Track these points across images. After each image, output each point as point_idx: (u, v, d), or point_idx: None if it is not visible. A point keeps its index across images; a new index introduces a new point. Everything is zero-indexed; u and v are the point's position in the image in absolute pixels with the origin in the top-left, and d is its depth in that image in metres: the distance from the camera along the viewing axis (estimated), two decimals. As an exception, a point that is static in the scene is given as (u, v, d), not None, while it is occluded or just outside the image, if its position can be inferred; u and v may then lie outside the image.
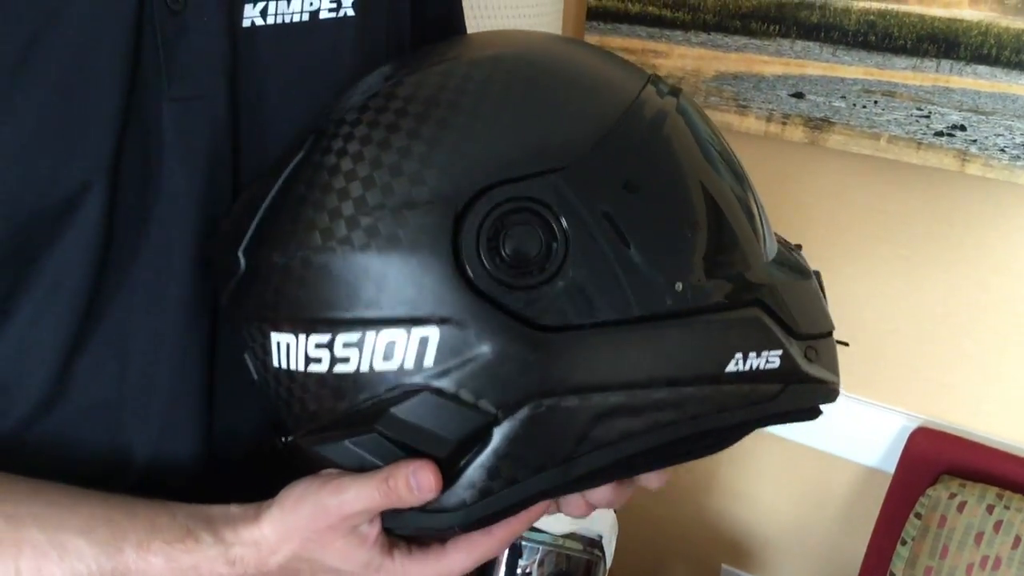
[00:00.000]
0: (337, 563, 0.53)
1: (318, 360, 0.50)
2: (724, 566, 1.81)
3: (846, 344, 0.59)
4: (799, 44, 1.41)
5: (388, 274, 0.48)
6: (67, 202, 0.52)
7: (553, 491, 0.51)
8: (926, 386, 1.51)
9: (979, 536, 1.35)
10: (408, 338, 0.48)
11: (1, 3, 0.48)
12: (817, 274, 0.59)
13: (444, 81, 0.51)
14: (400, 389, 0.49)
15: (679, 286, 0.50)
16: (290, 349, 0.51)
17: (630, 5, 1.54)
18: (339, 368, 0.50)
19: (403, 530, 0.54)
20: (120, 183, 0.53)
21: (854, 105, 1.39)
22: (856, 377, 1.51)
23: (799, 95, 1.43)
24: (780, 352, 0.53)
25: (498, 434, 0.49)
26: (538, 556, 1.46)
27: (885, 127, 1.38)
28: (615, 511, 1.50)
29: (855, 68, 1.38)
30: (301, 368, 0.51)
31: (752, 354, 0.52)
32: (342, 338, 0.49)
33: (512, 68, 0.52)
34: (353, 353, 0.49)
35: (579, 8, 1.62)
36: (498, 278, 0.48)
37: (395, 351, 0.48)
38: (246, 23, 0.56)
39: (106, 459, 0.59)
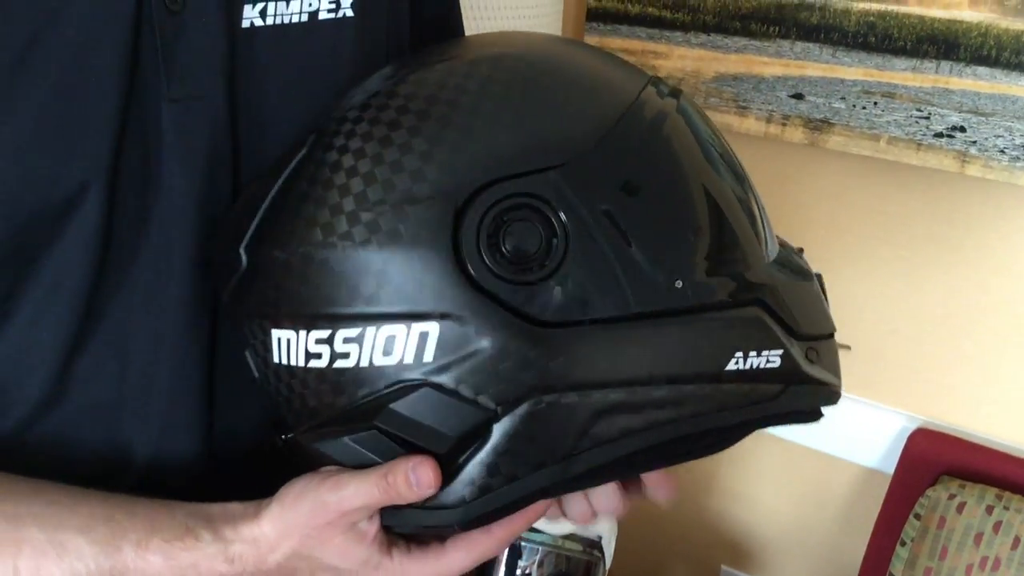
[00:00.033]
0: (336, 560, 0.53)
1: (318, 356, 0.50)
2: (724, 567, 1.81)
3: (848, 348, 0.59)
4: (799, 45, 1.41)
5: (388, 269, 0.48)
6: (66, 202, 0.52)
7: (553, 489, 0.51)
8: (926, 387, 1.51)
9: (978, 537, 1.35)
10: (408, 333, 0.48)
11: (0, 4, 0.48)
12: (819, 276, 0.59)
13: (445, 79, 0.52)
14: (400, 385, 0.49)
15: (679, 283, 0.50)
16: (290, 345, 0.51)
17: (630, 6, 1.54)
18: (339, 363, 0.50)
19: (402, 528, 0.54)
20: (119, 183, 0.53)
21: (854, 106, 1.39)
22: (856, 378, 1.51)
23: (799, 96, 1.44)
24: (780, 352, 0.53)
25: (498, 430, 0.49)
26: (538, 557, 1.46)
27: (885, 128, 1.38)
28: (615, 512, 1.49)
29: (855, 69, 1.38)
30: (301, 364, 0.51)
31: (752, 353, 0.52)
32: (342, 333, 0.49)
33: (513, 67, 0.53)
34: (353, 348, 0.49)
35: (579, 9, 1.62)
36: (498, 274, 0.48)
37: (395, 346, 0.48)
38: (245, 24, 0.56)
39: (106, 459, 0.59)
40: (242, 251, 0.53)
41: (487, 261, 0.48)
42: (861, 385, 1.53)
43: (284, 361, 0.52)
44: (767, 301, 0.53)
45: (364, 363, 0.49)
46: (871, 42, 1.35)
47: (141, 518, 0.53)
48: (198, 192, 0.56)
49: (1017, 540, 1.33)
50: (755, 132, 1.49)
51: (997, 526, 1.34)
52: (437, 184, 0.48)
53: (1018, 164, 1.29)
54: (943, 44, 1.30)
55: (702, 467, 1.75)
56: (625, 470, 0.56)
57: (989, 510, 1.35)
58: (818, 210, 1.51)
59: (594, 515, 0.60)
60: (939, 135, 1.34)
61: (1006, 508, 1.34)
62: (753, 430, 0.56)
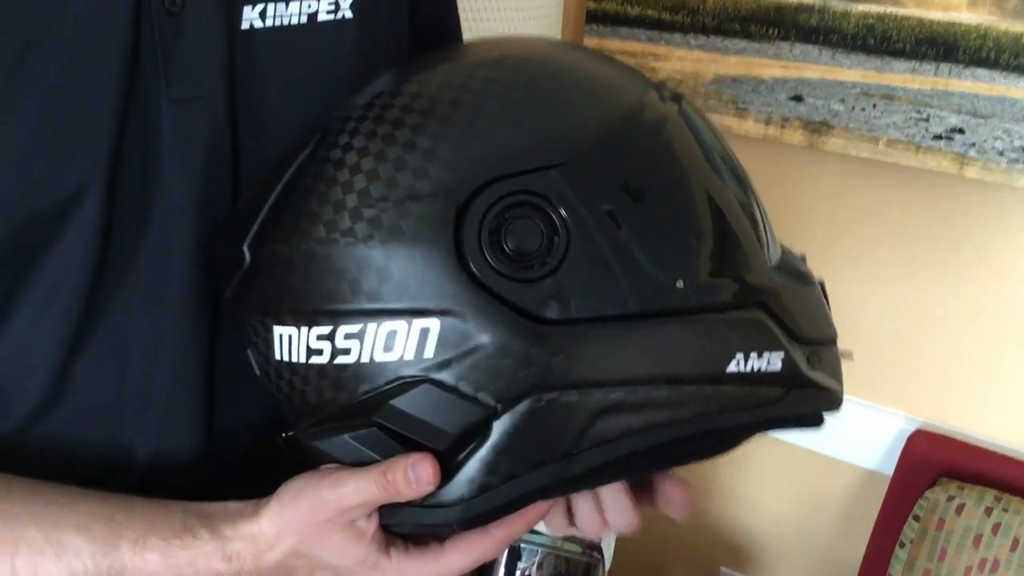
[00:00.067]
0: (334, 559, 0.53)
1: (319, 352, 0.50)
2: (723, 569, 1.81)
3: (850, 355, 0.59)
4: (798, 47, 1.41)
5: (390, 265, 0.48)
6: (66, 203, 0.52)
7: (552, 489, 0.51)
8: (925, 388, 1.51)
9: (977, 538, 1.35)
10: (409, 329, 0.48)
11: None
12: (821, 283, 0.59)
13: (449, 79, 0.52)
14: (400, 381, 0.49)
15: (680, 284, 0.50)
16: (292, 341, 0.51)
17: (629, 8, 1.54)
18: (340, 359, 0.50)
19: (401, 528, 0.54)
20: (119, 184, 0.53)
21: (853, 108, 1.39)
22: (855, 379, 1.50)
23: (798, 98, 1.44)
24: (782, 355, 0.53)
25: (497, 428, 0.49)
26: (537, 558, 1.46)
27: (884, 130, 1.38)
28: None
29: (854, 71, 1.38)
30: (302, 360, 0.51)
31: (753, 354, 0.52)
32: (343, 329, 0.49)
33: (517, 68, 0.53)
34: (354, 344, 0.49)
35: (578, 11, 1.62)
36: (499, 271, 0.48)
37: (396, 342, 0.49)
38: (245, 25, 0.56)
39: (106, 459, 0.59)
40: (245, 248, 0.53)
41: (488, 258, 0.48)
42: (860, 386, 1.53)
43: (285, 358, 0.52)
44: (768, 304, 0.53)
45: (365, 359, 0.49)
46: (870, 44, 1.36)
47: (139, 517, 0.53)
48: (198, 192, 0.56)
49: (1016, 542, 1.33)
50: (754, 134, 1.49)
51: (996, 528, 1.34)
52: (439, 181, 0.49)
53: (1017, 166, 1.30)
54: (942, 46, 1.30)
55: (702, 469, 1.75)
56: (624, 471, 0.56)
57: (988, 512, 1.35)
58: (817, 212, 1.52)
59: (604, 528, 0.60)
60: (938, 137, 1.34)
61: (1005, 510, 1.35)
62: (754, 434, 0.56)
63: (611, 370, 0.49)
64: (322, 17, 0.59)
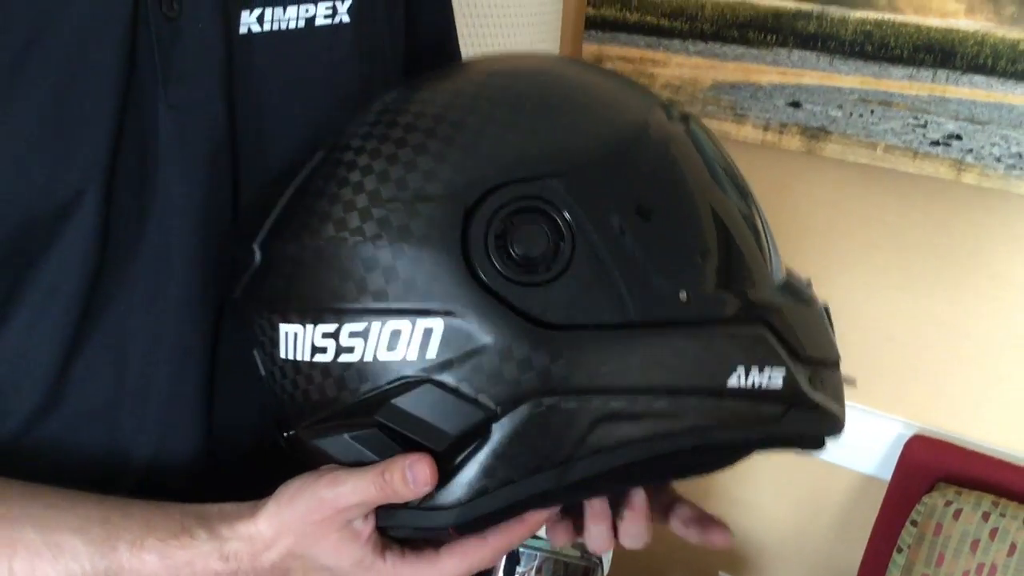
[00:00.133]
0: (330, 560, 0.53)
1: (323, 350, 0.51)
2: (721, 573, 1.81)
3: (853, 382, 0.59)
4: (796, 54, 1.42)
5: (397, 265, 0.49)
6: (63, 207, 0.52)
7: (549, 496, 0.51)
8: (922, 394, 1.51)
9: (975, 543, 1.35)
10: (413, 329, 0.49)
11: None
12: (826, 307, 0.59)
13: (462, 88, 0.53)
14: (402, 380, 0.50)
15: (683, 295, 0.51)
16: (297, 339, 0.52)
17: (628, 14, 1.55)
18: (344, 358, 0.50)
19: (398, 531, 0.54)
20: (117, 187, 0.53)
21: (851, 114, 1.40)
22: (850, 373, 1.51)
23: (796, 104, 1.44)
24: (783, 371, 0.53)
25: (497, 431, 0.50)
26: (536, 563, 1.46)
27: (881, 136, 1.38)
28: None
29: (852, 78, 1.39)
30: (307, 358, 0.52)
31: (754, 369, 0.52)
32: (348, 328, 0.50)
33: (530, 80, 0.55)
34: (358, 343, 0.50)
35: (577, 17, 1.62)
36: (504, 274, 0.49)
37: (399, 342, 0.49)
38: (243, 30, 0.57)
39: (105, 460, 0.59)
40: (256, 247, 0.54)
41: (494, 261, 0.49)
42: (858, 392, 1.53)
43: (290, 356, 0.52)
44: (771, 320, 0.53)
45: (368, 358, 0.50)
46: (868, 51, 1.36)
47: (137, 518, 0.53)
48: (197, 194, 0.56)
49: (1013, 547, 1.33)
50: (752, 140, 1.49)
51: (993, 533, 1.34)
52: (449, 183, 0.49)
53: (1014, 172, 1.30)
54: (939, 53, 1.31)
55: (699, 473, 1.74)
56: (622, 482, 0.56)
57: (985, 517, 1.35)
58: (815, 218, 1.52)
59: (612, 542, 0.60)
60: (935, 143, 1.34)
61: (1002, 515, 1.35)
62: (753, 451, 0.56)
63: (611, 378, 0.49)
64: (320, 22, 0.60)
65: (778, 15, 1.41)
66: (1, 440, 0.57)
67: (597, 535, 0.59)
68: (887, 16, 1.33)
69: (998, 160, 1.30)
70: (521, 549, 1.43)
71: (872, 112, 1.38)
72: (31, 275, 0.53)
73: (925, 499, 1.41)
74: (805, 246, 1.53)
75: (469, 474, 0.50)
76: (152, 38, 0.53)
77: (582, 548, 1.44)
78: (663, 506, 0.63)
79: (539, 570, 1.45)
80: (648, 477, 0.57)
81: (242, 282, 0.55)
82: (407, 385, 0.50)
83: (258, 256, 0.54)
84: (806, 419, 0.54)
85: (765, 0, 1.42)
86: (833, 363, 0.57)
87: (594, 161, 0.51)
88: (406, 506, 0.52)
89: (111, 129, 0.52)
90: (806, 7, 1.39)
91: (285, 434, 0.56)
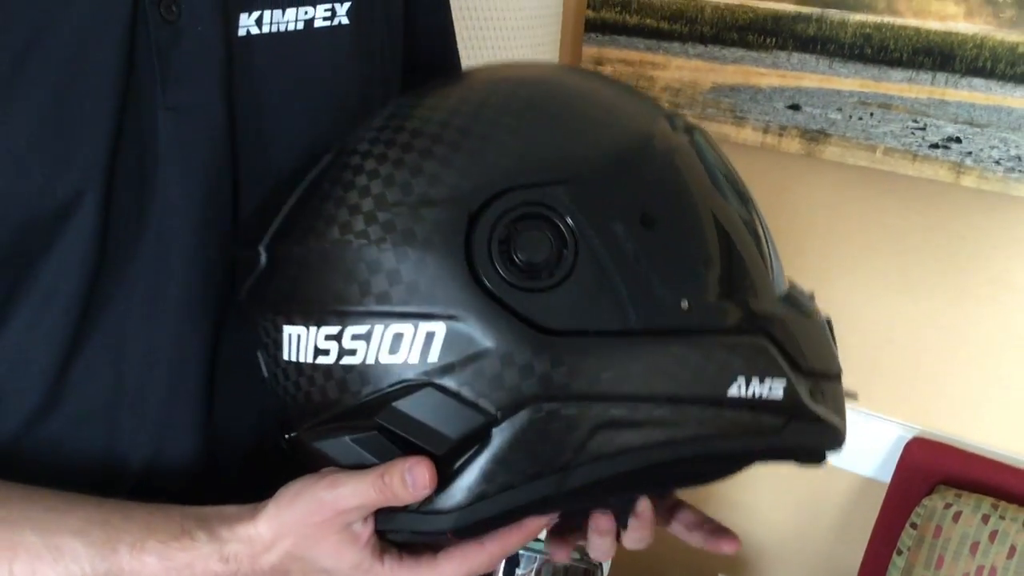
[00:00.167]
0: (328, 562, 0.53)
1: (326, 352, 0.51)
2: (721, 575, 1.81)
3: (855, 396, 0.59)
4: (796, 56, 1.42)
5: (401, 269, 0.49)
6: (62, 208, 0.52)
7: (547, 503, 0.52)
8: (922, 396, 1.51)
9: (974, 546, 1.35)
10: (415, 333, 0.49)
11: None
12: (828, 320, 0.59)
13: (469, 95, 0.54)
14: (403, 383, 0.50)
15: (685, 304, 0.51)
16: (300, 341, 0.52)
17: (628, 17, 1.55)
18: (346, 360, 0.51)
19: (397, 534, 0.54)
20: (115, 190, 0.53)
21: (850, 117, 1.40)
22: (852, 387, 1.51)
23: (795, 107, 1.44)
24: (784, 382, 0.53)
25: (497, 436, 0.50)
26: (535, 565, 1.46)
27: (881, 139, 1.39)
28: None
29: (851, 80, 1.39)
30: (310, 360, 0.52)
31: (755, 379, 0.52)
32: (351, 330, 0.50)
33: (535, 88, 0.55)
34: (361, 345, 0.50)
35: (577, 20, 1.63)
36: (507, 279, 0.49)
37: (401, 345, 0.49)
38: (241, 32, 0.57)
39: (103, 463, 0.59)
40: (262, 249, 0.55)
41: (497, 266, 0.49)
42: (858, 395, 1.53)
43: (293, 358, 0.53)
44: (773, 332, 0.53)
45: (370, 360, 0.50)
46: (867, 53, 1.36)
47: (137, 521, 0.53)
48: (196, 196, 0.56)
49: (1013, 549, 1.33)
50: (752, 142, 1.50)
51: (993, 535, 1.34)
52: (454, 188, 0.50)
53: (1013, 175, 1.30)
54: (939, 56, 1.31)
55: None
56: (621, 490, 0.56)
57: (985, 519, 1.35)
58: (814, 220, 1.52)
59: (614, 550, 0.60)
60: (935, 146, 1.35)
61: (1002, 517, 1.35)
62: (753, 462, 0.56)
63: (612, 385, 0.49)
64: (318, 23, 0.60)
65: (778, 18, 1.42)
66: (1, 442, 0.57)
67: (600, 545, 0.60)
68: (886, 19, 1.34)
69: (997, 163, 1.31)
70: (521, 551, 1.43)
71: (871, 115, 1.38)
72: (30, 276, 0.53)
73: (925, 501, 1.41)
74: (804, 248, 1.54)
75: (468, 479, 0.50)
76: (151, 41, 0.53)
77: (582, 551, 1.44)
78: (665, 509, 0.63)
79: (538, 572, 1.45)
80: (648, 486, 0.57)
81: (247, 284, 0.56)
82: (408, 388, 0.50)
83: (263, 258, 0.55)
84: (807, 431, 0.54)
85: (765, 3, 1.42)
86: (835, 376, 0.57)
87: (598, 169, 0.51)
88: (405, 510, 0.52)
89: (110, 130, 0.52)
90: (806, 10, 1.39)
91: (286, 436, 0.56)
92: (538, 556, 1.45)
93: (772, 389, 0.52)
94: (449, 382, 0.49)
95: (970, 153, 1.32)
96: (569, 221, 0.49)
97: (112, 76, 0.52)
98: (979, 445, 1.47)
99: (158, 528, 0.53)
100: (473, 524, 0.51)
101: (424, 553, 0.54)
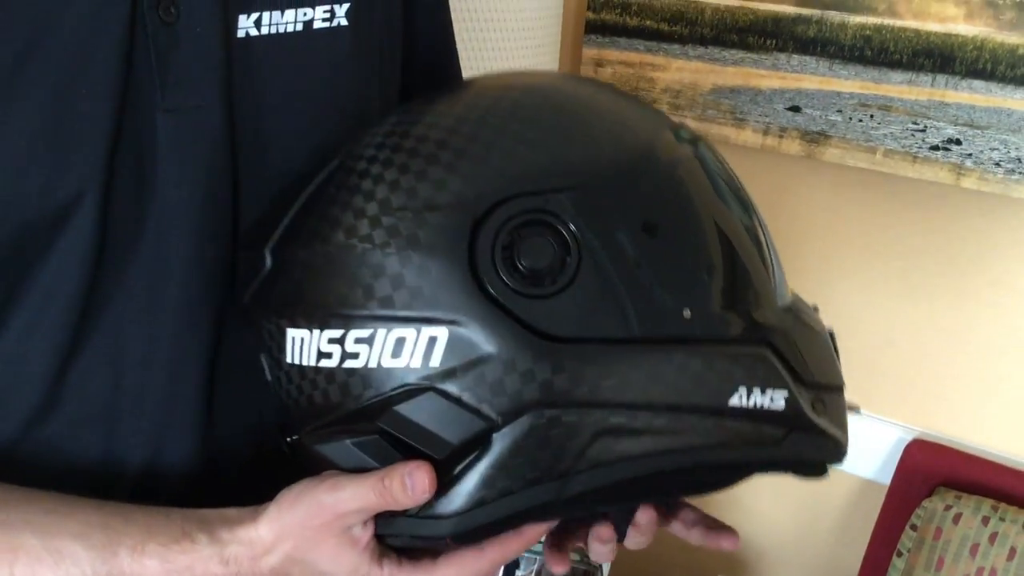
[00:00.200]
0: (328, 565, 0.53)
1: (329, 355, 0.51)
2: (721, 577, 1.81)
3: (857, 409, 0.59)
4: (796, 58, 1.42)
5: (404, 273, 0.49)
6: (61, 210, 0.52)
7: (547, 510, 0.52)
8: (922, 398, 1.51)
9: (974, 548, 1.35)
10: (417, 337, 0.49)
11: None
12: (831, 333, 0.59)
13: (476, 103, 0.54)
14: (405, 387, 0.50)
15: (687, 313, 0.51)
16: (304, 344, 0.52)
17: (628, 19, 1.55)
18: (349, 363, 0.51)
19: (396, 539, 0.54)
20: (114, 192, 0.53)
21: (850, 119, 1.40)
22: (852, 389, 1.51)
23: (795, 109, 1.44)
24: (785, 393, 0.53)
25: (497, 442, 0.50)
26: (535, 567, 1.46)
27: (881, 141, 1.39)
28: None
29: (851, 82, 1.39)
30: (312, 363, 0.52)
31: (756, 390, 0.52)
32: (354, 333, 0.50)
33: (542, 97, 0.55)
34: (363, 349, 0.50)
35: (577, 21, 1.63)
36: (510, 285, 0.49)
37: (403, 349, 0.50)
38: (240, 34, 0.57)
39: (102, 465, 0.59)
40: (267, 252, 0.55)
41: (500, 272, 0.49)
42: (857, 397, 1.53)
43: (296, 361, 0.53)
44: (775, 342, 0.53)
45: (373, 364, 0.50)
46: (867, 55, 1.36)
47: (137, 524, 0.53)
48: (195, 198, 0.56)
49: (1013, 551, 1.33)
50: (752, 144, 1.50)
51: (993, 537, 1.34)
52: (458, 194, 0.50)
53: (1013, 177, 1.30)
54: (939, 57, 1.31)
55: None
56: (621, 499, 0.56)
57: (985, 521, 1.35)
58: (814, 222, 1.52)
59: (614, 552, 0.60)
60: (935, 148, 1.35)
61: (1002, 519, 1.35)
62: (753, 473, 0.56)
63: (613, 392, 0.50)
64: (318, 25, 0.60)
65: (778, 20, 1.42)
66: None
67: (600, 551, 0.60)
68: (886, 21, 1.34)
69: (997, 164, 1.31)
70: (521, 553, 1.42)
71: (871, 116, 1.38)
72: (29, 277, 0.53)
73: (925, 503, 1.41)
74: (804, 250, 1.54)
75: (468, 484, 0.51)
76: (149, 43, 0.53)
77: (582, 552, 1.44)
78: (665, 508, 0.63)
79: (538, 574, 1.45)
80: (648, 495, 0.57)
81: (252, 287, 0.56)
82: (410, 392, 0.50)
83: (269, 261, 0.55)
84: (808, 443, 0.54)
85: (765, 5, 1.42)
86: (837, 388, 0.57)
87: (602, 178, 0.51)
88: (405, 514, 0.52)
89: (110, 131, 0.52)
90: (806, 12, 1.39)
91: (289, 439, 0.56)
92: (537, 558, 1.45)
93: (773, 400, 0.52)
94: (451, 387, 0.49)
95: (970, 155, 1.32)
96: (572, 228, 0.50)
97: (111, 77, 0.52)
98: (979, 447, 1.47)
99: (158, 531, 0.53)
100: (472, 530, 0.51)
101: (423, 559, 0.55)
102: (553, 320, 0.49)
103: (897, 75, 1.35)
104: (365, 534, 0.53)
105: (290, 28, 0.59)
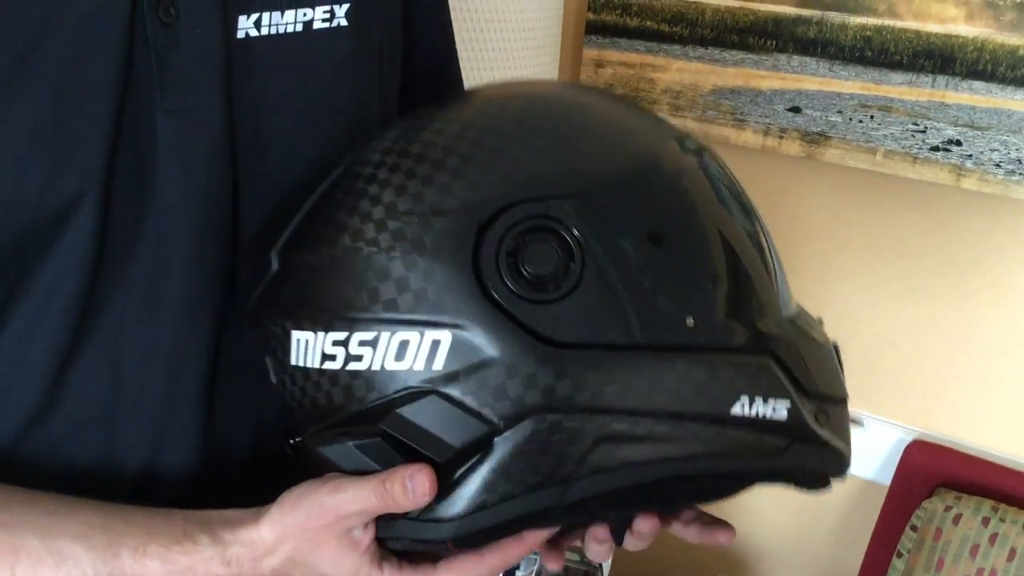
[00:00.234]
0: (328, 567, 0.53)
1: (333, 357, 0.51)
2: (721, 578, 1.81)
3: (860, 423, 0.59)
4: (796, 59, 1.42)
5: (409, 277, 0.50)
6: (61, 210, 0.52)
7: (547, 515, 0.52)
8: (922, 399, 1.51)
9: (974, 548, 1.35)
10: (421, 340, 0.49)
11: None
12: (835, 346, 0.59)
13: (482, 110, 0.55)
14: (408, 390, 0.50)
15: (690, 321, 0.51)
16: (308, 346, 0.52)
17: (628, 19, 1.55)
18: (352, 366, 0.51)
19: (397, 543, 0.54)
20: (114, 193, 0.53)
21: (850, 120, 1.40)
22: (852, 390, 1.51)
23: (796, 109, 1.44)
24: (788, 403, 0.52)
25: (499, 446, 0.50)
26: (535, 567, 1.46)
27: (881, 141, 1.39)
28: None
29: (851, 83, 1.39)
30: (316, 365, 0.52)
31: (759, 399, 0.52)
32: (358, 336, 0.51)
33: (548, 105, 0.56)
34: (367, 352, 0.50)
35: (578, 22, 1.63)
36: (514, 290, 0.49)
37: (407, 352, 0.50)
38: (240, 34, 0.57)
39: (101, 466, 0.59)
40: (273, 255, 0.55)
41: (504, 277, 0.49)
42: (858, 397, 1.53)
43: (301, 363, 0.53)
44: (778, 352, 0.53)
45: (376, 367, 0.50)
46: (868, 56, 1.36)
47: (139, 525, 0.53)
48: (195, 199, 0.56)
49: (1013, 552, 1.33)
50: (752, 145, 1.50)
51: (993, 538, 1.34)
52: (464, 199, 0.50)
53: (1013, 178, 1.30)
54: (939, 58, 1.31)
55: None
56: (621, 506, 0.56)
57: (985, 522, 1.35)
58: (814, 222, 1.52)
59: (611, 551, 0.60)
60: (935, 148, 1.35)
61: (1002, 520, 1.35)
62: (754, 483, 0.56)
63: (615, 398, 0.50)
64: (317, 25, 0.60)
65: (778, 21, 1.42)
66: None
67: (597, 551, 0.60)
68: (887, 22, 1.34)
69: (997, 165, 1.31)
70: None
71: (872, 117, 1.38)
72: (29, 277, 0.53)
73: (925, 504, 1.41)
74: (805, 251, 1.54)
75: (470, 488, 0.51)
76: (149, 44, 0.53)
77: (581, 553, 1.44)
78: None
79: (538, 574, 1.45)
80: (648, 502, 0.57)
81: (258, 289, 0.56)
82: (413, 395, 0.50)
83: (275, 264, 0.55)
84: (810, 453, 0.54)
85: (765, 6, 1.42)
86: (840, 400, 0.57)
87: (607, 186, 0.51)
88: (406, 517, 0.52)
89: (109, 131, 0.52)
90: (806, 13, 1.39)
91: (291, 441, 0.57)
92: (537, 558, 1.45)
93: (776, 409, 0.52)
94: (453, 390, 0.49)
95: (970, 156, 1.32)
96: (576, 234, 0.50)
97: (111, 78, 0.52)
98: (979, 448, 1.47)
99: (160, 532, 0.53)
100: (473, 534, 0.52)
101: (423, 562, 0.55)
102: (556, 325, 0.49)
103: (897, 76, 1.35)
104: (366, 537, 0.53)
105: (290, 28, 0.59)
